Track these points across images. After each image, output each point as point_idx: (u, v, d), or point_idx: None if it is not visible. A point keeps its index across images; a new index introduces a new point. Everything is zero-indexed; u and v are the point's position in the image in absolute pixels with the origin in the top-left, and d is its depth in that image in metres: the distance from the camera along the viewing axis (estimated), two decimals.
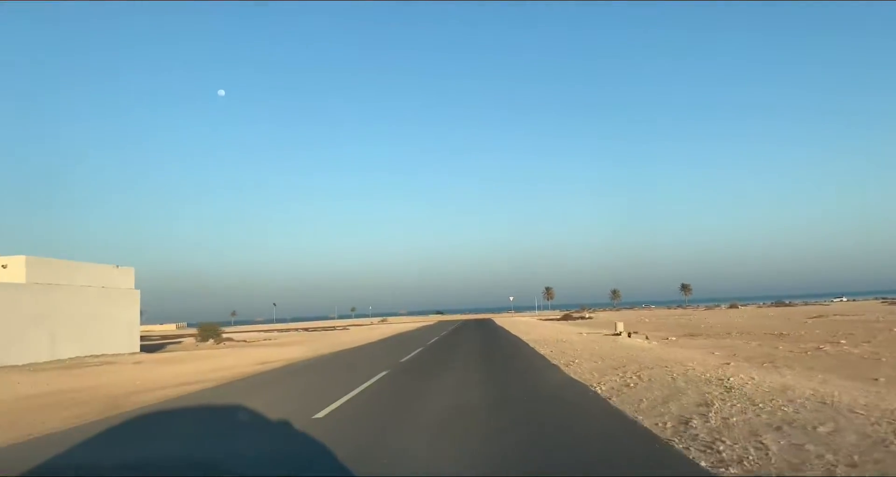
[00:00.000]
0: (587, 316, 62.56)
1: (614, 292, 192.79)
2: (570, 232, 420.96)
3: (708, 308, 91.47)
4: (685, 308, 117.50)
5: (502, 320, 66.73)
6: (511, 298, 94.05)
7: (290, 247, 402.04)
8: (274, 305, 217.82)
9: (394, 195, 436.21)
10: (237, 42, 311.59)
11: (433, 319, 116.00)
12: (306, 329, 67.91)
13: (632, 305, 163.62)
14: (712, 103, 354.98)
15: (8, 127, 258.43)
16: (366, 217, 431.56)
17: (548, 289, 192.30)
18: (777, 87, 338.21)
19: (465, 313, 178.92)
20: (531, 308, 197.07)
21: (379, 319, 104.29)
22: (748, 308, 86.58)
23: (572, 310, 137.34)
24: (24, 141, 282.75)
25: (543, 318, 74.19)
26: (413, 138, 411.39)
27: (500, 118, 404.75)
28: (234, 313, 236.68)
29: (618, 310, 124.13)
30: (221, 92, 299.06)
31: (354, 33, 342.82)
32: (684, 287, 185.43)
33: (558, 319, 60.24)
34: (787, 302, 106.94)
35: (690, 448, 4.84)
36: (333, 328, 66.84)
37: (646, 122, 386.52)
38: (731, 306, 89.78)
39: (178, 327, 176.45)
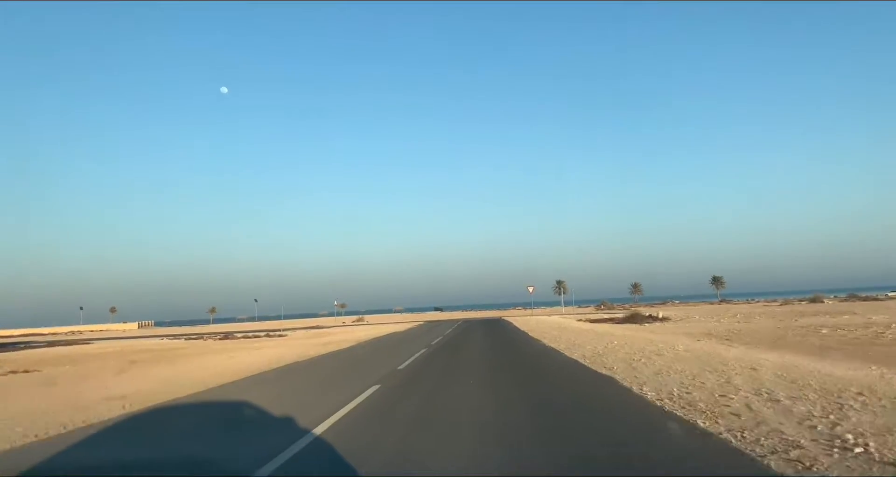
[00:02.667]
0: (659, 315, 38.89)
1: (635, 286, 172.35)
2: (582, 221, 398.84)
3: (785, 303, 69.67)
4: (735, 303, 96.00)
5: (525, 322, 44.97)
6: (531, 290, 68.43)
7: (277, 241, 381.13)
8: (255, 301, 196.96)
9: (394, 189, 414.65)
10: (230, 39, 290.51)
11: (427, 317, 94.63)
12: (225, 336, 46.32)
13: (663, 301, 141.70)
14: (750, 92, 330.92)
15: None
16: (361, 210, 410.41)
17: (559, 282, 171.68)
18: (836, 74, 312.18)
19: (467, 310, 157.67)
20: (543, 304, 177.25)
21: (355, 318, 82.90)
22: (835, 304, 64.93)
23: (592, 305, 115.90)
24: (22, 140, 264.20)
25: (584, 317, 51.17)
26: (414, 131, 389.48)
27: (506, 112, 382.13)
28: (213, 310, 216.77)
29: (652, 305, 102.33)
30: (224, 89, 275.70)
31: (348, 31, 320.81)
32: (716, 280, 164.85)
33: (618, 321, 37.37)
34: (865, 296, 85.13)
35: None
36: (267, 334, 45.32)
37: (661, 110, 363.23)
38: (814, 300, 68.05)
39: (140, 326, 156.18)
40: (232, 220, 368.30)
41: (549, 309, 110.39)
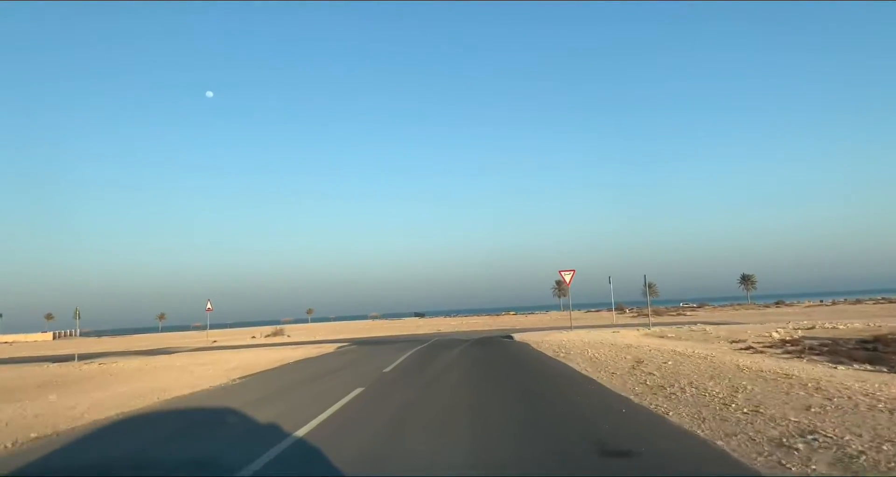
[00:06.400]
0: None
1: (650, 286, 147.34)
2: (578, 220, 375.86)
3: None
4: (791, 306, 72.11)
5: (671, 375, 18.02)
6: (567, 278, 33.80)
7: (238, 246, 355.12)
8: (209, 301, 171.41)
9: (389, 193, 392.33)
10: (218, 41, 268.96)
11: (395, 327, 69.62)
12: None
13: (687, 304, 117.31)
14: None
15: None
16: (339, 214, 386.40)
17: (558, 283, 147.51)
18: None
19: (451, 316, 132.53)
20: (539, 308, 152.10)
21: (274, 329, 57.44)
22: None
23: (603, 309, 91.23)
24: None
25: (723, 342, 22.25)
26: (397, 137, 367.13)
27: (507, 111, 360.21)
28: (162, 316, 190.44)
29: (714, 308, 78.13)
30: (209, 93, 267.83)
31: (343, 33, 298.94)
32: (746, 279, 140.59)
33: None
34: None
35: None
36: None
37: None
38: None
39: (57, 336, 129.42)
40: (194, 223, 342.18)
41: (556, 314, 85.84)
